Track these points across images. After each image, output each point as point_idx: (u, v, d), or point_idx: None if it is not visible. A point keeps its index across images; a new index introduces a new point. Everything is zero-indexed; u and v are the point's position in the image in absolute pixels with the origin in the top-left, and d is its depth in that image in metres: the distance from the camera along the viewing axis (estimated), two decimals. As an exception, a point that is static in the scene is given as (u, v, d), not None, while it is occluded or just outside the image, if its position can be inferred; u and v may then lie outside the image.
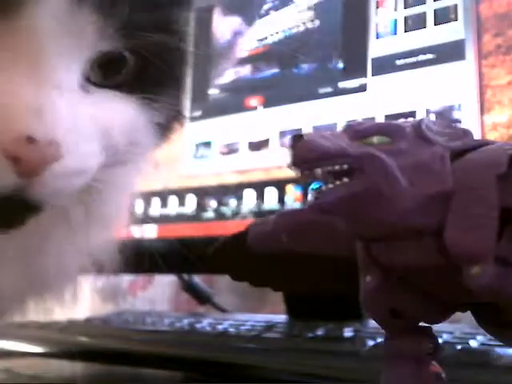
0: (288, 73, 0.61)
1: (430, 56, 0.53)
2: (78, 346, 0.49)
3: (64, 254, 0.31)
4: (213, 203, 0.62)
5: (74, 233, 0.30)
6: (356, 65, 0.57)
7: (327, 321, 0.48)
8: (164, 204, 0.66)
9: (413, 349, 0.17)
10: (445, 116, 0.52)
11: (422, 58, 0.53)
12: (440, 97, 0.52)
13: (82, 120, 0.24)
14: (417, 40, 0.54)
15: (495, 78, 0.50)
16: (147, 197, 0.66)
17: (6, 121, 0.21)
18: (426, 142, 0.15)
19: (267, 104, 0.62)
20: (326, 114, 0.58)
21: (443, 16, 0.53)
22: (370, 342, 0.38)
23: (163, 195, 0.66)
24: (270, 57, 0.63)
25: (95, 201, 0.29)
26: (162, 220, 0.65)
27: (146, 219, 0.66)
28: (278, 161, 0.59)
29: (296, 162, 0.14)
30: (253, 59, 0.64)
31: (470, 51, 0.51)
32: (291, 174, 0.17)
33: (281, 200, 0.57)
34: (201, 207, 0.63)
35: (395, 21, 0.55)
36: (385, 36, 0.56)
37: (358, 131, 0.15)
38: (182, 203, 0.64)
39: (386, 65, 0.55)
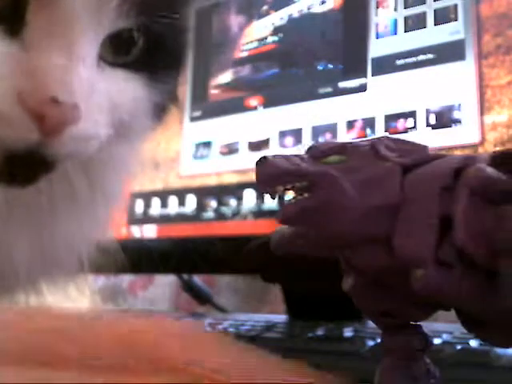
0: (288, 73, 0.61)
1: (430, 56, 0.53)
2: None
3: (71, 233, 0.32)
4: (213, 203, 0.62)
5: (79, 209, 0.32)
6: (356, 65, 0.57)
7: (327, 321, 0.48)
8: (164, 204, 0.66)
9: (403, 345, 0.18)
10: (445, 116, 0.52)
11: (422, 57, 0.54)
12: (440, 97, 0.52)
13: (97, 92, 0.26)
14: (417, 40, 0.54)
15: (495, 78, 0.50)
16: (147, 197, 0.66)
17: (34, 83, 0.24)
18: (379, 159, 0.17)
19: (267, 104, 0.62)
20: (326, 114, 0.58)
21: (443, 16, 0.53)
22: (370, 342, 0.38)
23: (163, 195, 0.66)
24: (270, 57, 0.63)
25: (98, 176, 0.31)
26: (162, 220, 0.65)
27: (146, 219, 0.66)
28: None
29: (260, 181, 0.16)
30: (253, 59, 0.64)
31: (470, 51, 0.51)
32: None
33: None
34: (201, 207, 0.63)
35: (395, 21, 0.55)
36: (385, 36, 0.56)
37: (318, 152, 0.17)
38: (181, 203, 0.64)
39: (385, 65, 0.55)
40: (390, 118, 0.54)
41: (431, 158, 0.17)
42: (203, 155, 0.65)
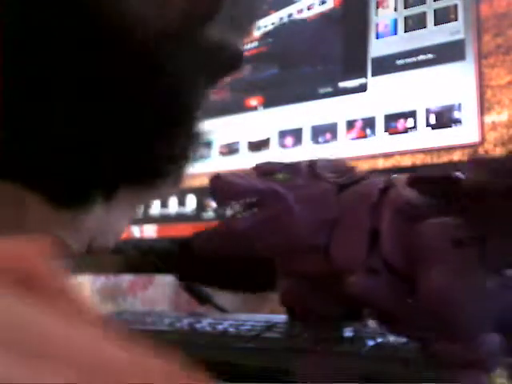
0: (288, 73, 0.61)
1: (430, 56, 0.53)
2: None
3: None
4: (213, 203, 0.62)
5: None
6: (356, 65, 0.57)
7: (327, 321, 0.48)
8: (164, 204, 0.66)
9: (322, 338, 0.22)
10: (445, 116, 0.52)
11: (421, 57, 0.54)
12: (440, 97, 0.52)
13: None
14: (417, 40, 0.54)
15: (495, 78, 0.50)
16: (147, 197, 0.66)
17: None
18: (317, 178, 0.19)
19: (267, 104, 0.62)
20: (326, 114, 0.58)
21: (443, 16, 0.53)
22: (370, 342, 0.38)
23: (163, 195, 0.66)
24: (271, 57, 0.63)
25: None
26: (162, 220, 0.65)
27: (146, 219, 0.66)
28: (278, 161, 0.59)
29: (217, 197, 0.18)
30: (253, 59, 0.64)
31: (470, 51, 0.51)
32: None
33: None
34: (201, 207, 0.63)
35: (395, 21, 0.55)
36: (385, 36, 0.56)
37: (266, 170, 0.19)
38: (181, 203, 0.64)
39: (386, 65, 0.55)
40: (390, 118, 0.54)
41: (360, 178, 0.20)
42: (203, 155, 0.65)
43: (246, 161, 0.61)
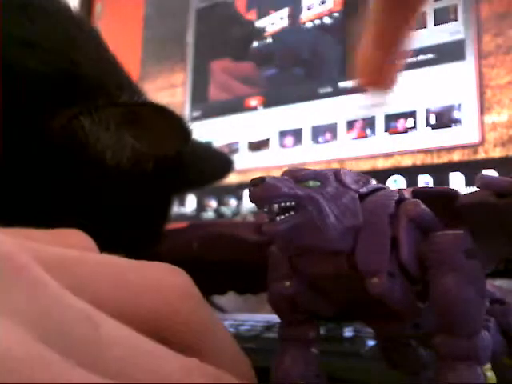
0: (288, 73, 0.61)
1: (430, 56, 0.53)
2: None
3: None
4: (213, 203, 0.62)
5: None
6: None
7: (327, 321, 0.48)
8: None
9: (303, 335, 0.23)
10: (445, 116, 0.52)
11: (421, 57, 0.54)
12: (440, 97, 0.52)
13: None
14: (417, 40, 0.54)
15: (495, 78, 0.50)
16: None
17: None
18: (344, 187, 0.21)
19: (267, 104, 0.62)
20: (326, 114, 0.58)
21: (443, 16, 0.53)
22: (370, 342, 0.38)
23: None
24: (271, 57, 0.63)
25: None
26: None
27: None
28: (278, 161, 0.59)
29: (258, 200, 0.20)
30: (253, 59, 0.64)
31: (470, 51, 0.51)
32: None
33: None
34: (201, 207, 0.63)
35: (395, 21, 0.55)
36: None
37: (299, 176, 0.20)
38: (182, 203, 0.64)
39: (386, 65, 0.55)
40: (390, 118, 0.54)
41: (376, 189, 0.22)
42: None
43: (245, 161, 0.61)
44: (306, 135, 0.58)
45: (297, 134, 0.59)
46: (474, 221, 0.20)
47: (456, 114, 0.51)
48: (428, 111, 0.52)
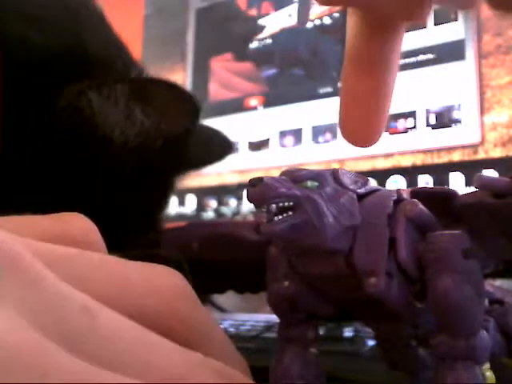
0: (288, 73, 0.61)
1: (430, 56, 0.53)
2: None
3: None
4: (213, 203, 0.62)
5: None
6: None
7: (327, 321, 0.48)
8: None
9: (302, 336, 0.23)
10: (445, 116, 0.52)
11: (421, 57, 0.54)
12: (440, 97, 0.52)
13: None
14: (417, 40, 0.54)
15: (495, 78, 0.50)
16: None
17: None
18: (342, 187, 0.21)
19: (267, 104, 0.62)
20: (326, 114, 0.58)
21: (443, 16, 0.53)
22: (370, 342, 0.38)
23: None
24: (271, 57, 0.63)
25: None
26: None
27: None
28: (278, 161, 0.59)
29: (256, 200, 0.20)
30: (253, 59, 0.64)
31: (470, 51, 0.51)
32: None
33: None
34: (201, 207, 0.63)
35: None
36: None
37: (297, 177, 0.20)
38: (181, 203, 0.64)
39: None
40: (390, 118, 0.54)
41: (374, 190, 0.22)
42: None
43: (245, 161, 0.61)
44: (306, 135, 0.58)
45: (297, 134, 0.59)
46: (472, 221, 0.20)
47: (456, 114, 0.51)
48: (428, 111, 0.52)
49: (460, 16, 0.52)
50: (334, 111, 0.48)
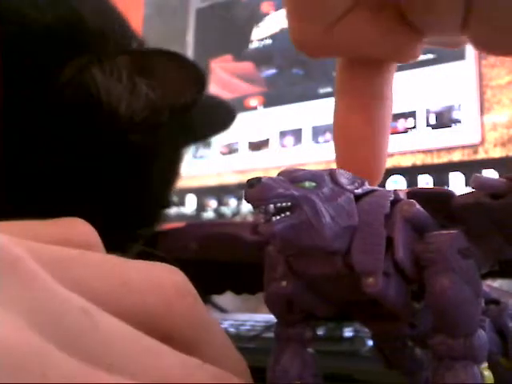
0: (288, 73, 0.61)
1: (430, 56, 0.53)
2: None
3: None
4: (213, 203, 0.62)
5: None
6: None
7: (327, 321, 0.48)
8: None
9: (300, 335, 0.23)
10: (445, 116, 0.52)
11: (421, 57, 0.53)
12: (440, 97, 0.52)
13: None
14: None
15: (495, 77, 0.50)
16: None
17: None
18: (339, 187, 0.21)
19: (267, 104, 0.62)
20: (326, 114, 0.58)
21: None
22: (370, 342, 0.38)
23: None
24: (271, 57, 0.63)
25: None
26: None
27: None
28: (278, 161, 0.59)
29: (253, 200, 0.20)
30: (253, 59, 0.64)
31: (470, 51, 0.51)
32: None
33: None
34: (201, 207, 0.63)
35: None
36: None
37: (295, 177, 0.20)
38: (181, 203, 0.64)
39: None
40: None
41: (371, 190, 0.22)
42: (203, 155, 0.65)
43: (245, 161, 0.61)
44: (306, 135, 0.58)
45: (297, 134, 0.59)
46: (469, 221, 0.20)
47: (456, 114, 0.51)
48: (428, 111, 0.52)
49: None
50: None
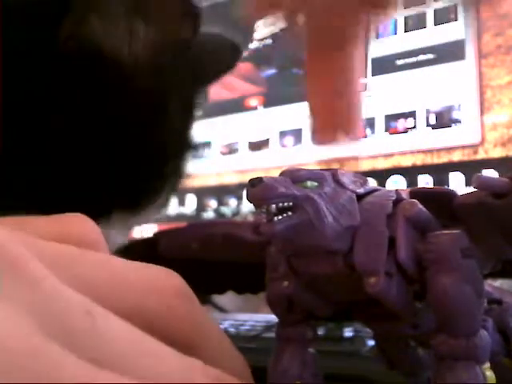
0: (288, 73, 0.61)
1: (430, 56, 0.53)
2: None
3: None
4: (213, 203, 0.62)
5: None
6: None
7: (327, 321, 0.48)
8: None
9: (301, 335, 0.23)
10: (445, 116, 0.52)
11: (421, 57, 0.54)
12: (440, 97, 0.52)
13: None
14: (417, 40, 0.54)
15: (495, 78, 0.50)
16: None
17: None
18: (341, 187, 0.21)
19: (267, 104, 0.62)
20: (326, 114, 0.58)
21: (443, 16, 0.53)
22: (370, 342, 0.38)
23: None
24: (271, 57, 0.63)
25: None
26: (162, 220, 0.65)
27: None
28: (278, 161, 0.59)
29: (255, 200, 0.20)
30: (253, 59, 0.64)
31: (470, 51, 0.51)
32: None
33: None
34: (201, 207, 0.63)
35: (395, 21, 0.55)
36: (385, 36, 0.56)
37: (296, 177, 0.20)
38: (181, 203, 0.64)
39: (386, 65, 0.55)
40: (390, 118, 0.54)
41: (373, 190, 0.22)
42: (203, 155, 0.65)
43: (245, 161, 0.61)
44: (306, 135, 0.58)
45: (297, 134, 0.59)
46: (470, 221, 0.20)
47: (456, 114, 0.51)
48: (428, 111, 0.52)
49: (460, 16, 0.52)
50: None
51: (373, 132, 0.54)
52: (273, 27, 0.63)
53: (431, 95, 0.53)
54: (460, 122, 0.51)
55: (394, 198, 0.21)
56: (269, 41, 0.63)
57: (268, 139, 0.61)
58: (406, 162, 0.52)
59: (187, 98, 0.34)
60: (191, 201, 0.64)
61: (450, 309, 0.19)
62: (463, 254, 0.19)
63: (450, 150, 0.51)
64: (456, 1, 0.53)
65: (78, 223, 0.20)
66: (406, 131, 0.53)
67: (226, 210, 0.61)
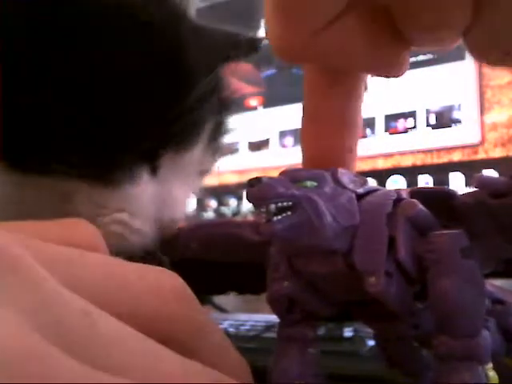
0: (288, 73, 0.61)
1: (430, 56, 0.53)
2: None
3: None
4: (213, 203, 0.62)
5: None
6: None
7: (327, 321, 0.48)
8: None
9: (301, 335, 0.23)
10: (445, 116, 0.52)
11: (421, 58, 0.54)
12: (440, 97, 0.52)
13: None
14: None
15: (495, 78, 0.50)
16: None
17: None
18: (341, 187, 0.21)
19: (267, 104, 0.62)
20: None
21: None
22: (370, 342, 0.38)
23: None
24: (270, 57, 0.63)
25: None
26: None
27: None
28: (278, 161, 0.59)
29: (255, 200, 0.20)
30: (253, 59, 0.64)
31: (470, 51, 0.51)
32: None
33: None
34: (201, 207, 0.63)
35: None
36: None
37: (296, 177, 0.20)
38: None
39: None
40: (390, 118, 0.54)
41: (373, 190, 0.22)
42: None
43: (245, 161, 0.61)
44: (306, 135, 0.58)
45: (297, 134, 0.59)
46: (471, 221, 0.20)
47: (456, 114, 0.51)
48: (428, 111, 0.52)
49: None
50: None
51: (373, 132, 0.54)
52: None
53: (431, 95, 0.53)
54: (460, 121, 0.51)
55: (394, 198, 0.21)
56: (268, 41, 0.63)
57: (268, 139, 0.61)
58: (406, 161, 0.52)
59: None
60: (191, 201, 0.64)
61: (450, 309, 0.19)
62: (463, 253, 0.19)
63: (449, 150, 0.51)
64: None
65: (81, 228, 0.20)
66: (406, 131, 0.53)
67: (226, 210, 0.61)
